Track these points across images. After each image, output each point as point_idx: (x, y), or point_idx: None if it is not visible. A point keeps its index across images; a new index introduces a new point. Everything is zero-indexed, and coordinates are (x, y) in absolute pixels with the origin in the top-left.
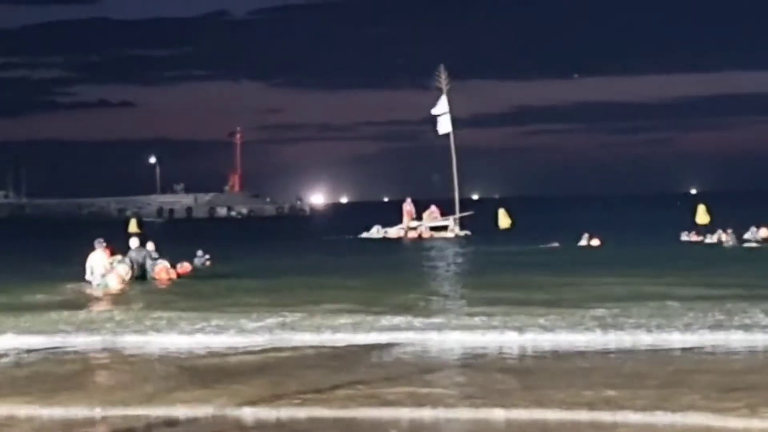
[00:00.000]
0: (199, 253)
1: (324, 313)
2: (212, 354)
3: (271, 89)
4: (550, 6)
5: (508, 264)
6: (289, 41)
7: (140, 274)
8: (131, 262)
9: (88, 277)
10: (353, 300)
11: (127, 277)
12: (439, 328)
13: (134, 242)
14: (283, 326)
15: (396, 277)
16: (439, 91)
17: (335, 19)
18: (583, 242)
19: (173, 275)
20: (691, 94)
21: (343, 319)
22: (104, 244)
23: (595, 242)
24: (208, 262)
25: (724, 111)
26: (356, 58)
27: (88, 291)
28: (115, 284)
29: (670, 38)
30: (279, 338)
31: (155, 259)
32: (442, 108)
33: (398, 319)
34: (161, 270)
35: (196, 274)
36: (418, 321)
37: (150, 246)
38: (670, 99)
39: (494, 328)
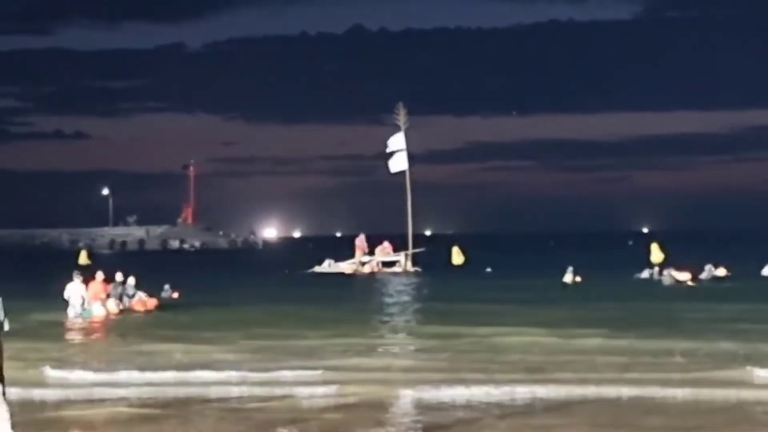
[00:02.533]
0: (166, 287)
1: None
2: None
3: (226, 122)
4: (506, 44)
5: (477, 305)
6: (244, 75)
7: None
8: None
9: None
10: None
11: (115, 311)
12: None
13: (119, 276)
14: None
15: (337, 318)
16: (396, 127)
17: (291, 53)
18: (567, 278)
19: (150, 306)
20: (647, 133)
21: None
22: (81, 276)
23: (578, 278)
24: (175, 295)
25: (678, 150)
26: (311, 93)
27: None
28: (101, 313)
29: (625, 77)
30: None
31: (132, 295)
32: (397, 145)
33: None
34: (137, 303)
35: (162, 306)
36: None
37: (131, 281)
38: (626, 138)
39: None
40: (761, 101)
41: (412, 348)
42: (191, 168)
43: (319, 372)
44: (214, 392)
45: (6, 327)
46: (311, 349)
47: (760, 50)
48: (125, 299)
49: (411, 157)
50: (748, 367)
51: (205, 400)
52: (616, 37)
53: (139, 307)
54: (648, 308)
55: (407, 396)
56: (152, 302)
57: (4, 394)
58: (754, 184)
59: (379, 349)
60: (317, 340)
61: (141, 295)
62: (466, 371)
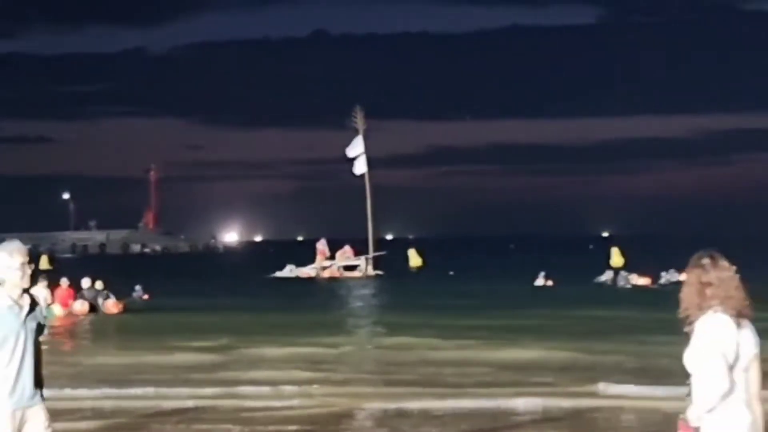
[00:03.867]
0: (138, 287)
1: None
2: None
3: (190, 126)
4: (469, 48)
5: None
6: (208, 78)
7: (92, 309)
8: (85, 299)
9: None
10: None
11: (82, 311)
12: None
13: (86, 282)
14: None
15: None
16: (356, 132)
17: (254, 57)
18: (539, 282)
19: (120, 308)
20: (608, 137)
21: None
22: (46, 281)
23: (549, 282)
24: (145, 296)
25: (638, 155)
26: (274, 97)
27: None
28: (60, 312)
29: (587, 82)
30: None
31: (105, 298)
32: (357, 149)
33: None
34: (111, 305)
35: (130, 307)
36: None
37: (98, 284)
38: (587, 142)
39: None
40: (720, 106)
41: (374, 358)
42: (152, 172)
43: (281, 386)
44: (168, 406)
45: (44, 332)
46: (271, 359)
47: (720, 56)
48: (99, 301)
49: (372, 161)
50: (602, 383)
51: (158, 415)
52: (578, 42)
53: (113, 310)
54: (603, 315)
55: (370, 409)
56: (120, 305)
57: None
58: (712, 188)
59: (341, 360)
60: (278, 349)
61: (112, 297)
62: (429, 384)
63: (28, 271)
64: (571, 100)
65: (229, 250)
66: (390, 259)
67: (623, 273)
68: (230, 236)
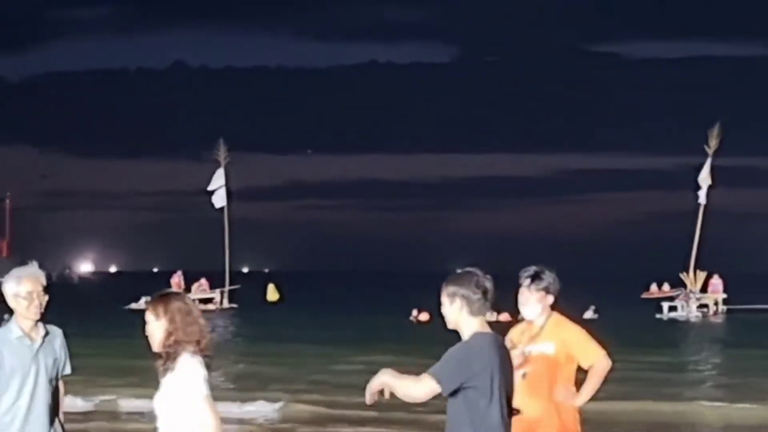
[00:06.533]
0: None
1: None
2: None
3: (45, 154)
4: (326, 83)
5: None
6: (65, 107)
7: None
8: None
9: None
10: None
11: None
12: None
13: None
14: None
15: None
16: (217, 164)
17: (113, 87)
18: (412, 317)
19: None
20: (461, 174)
21: None
22: None
23: (424, 317)
24: None
25: (491, 192)
26: (131, 127)
27: None
28: None
29: (440, 120)
30: None
31: None
32: (218, 182)
33: None
34: None
35: None
36: None
37: None
38: (441, 179)
39: None
40: (572, 146)
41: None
42: (7, 200)
43: None
44: None
45: (68, 369)
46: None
47: (570, 96)
48: None
49: (230, 194)
50: None
51: None
52: (433, 79)
53: None
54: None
55: None
56: None
57: None
58: (565, 226)
59: None
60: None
61: None
62: None
63: (37, 302)
64: (426, 136)
65: (84, 281)
66: (246, 293)
67: None
68: (85, 267)
